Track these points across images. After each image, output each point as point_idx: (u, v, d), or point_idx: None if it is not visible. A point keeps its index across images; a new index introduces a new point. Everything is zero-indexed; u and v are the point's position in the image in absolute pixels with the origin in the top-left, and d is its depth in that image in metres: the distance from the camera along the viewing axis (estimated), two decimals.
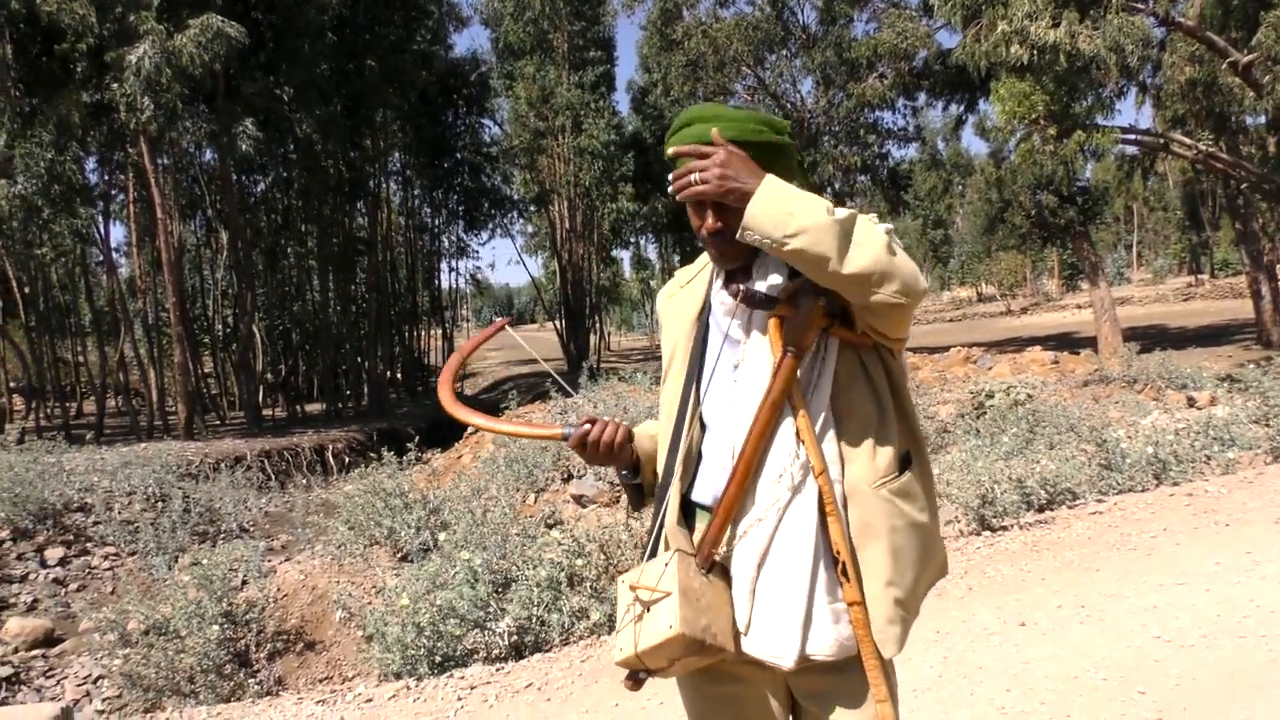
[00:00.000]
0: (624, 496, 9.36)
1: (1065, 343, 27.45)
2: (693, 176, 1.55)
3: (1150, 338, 24.36)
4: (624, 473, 1.90)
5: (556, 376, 2.03)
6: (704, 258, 1.87)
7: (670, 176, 1.59)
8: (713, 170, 1.53)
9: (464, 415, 1.97)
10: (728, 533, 1.64)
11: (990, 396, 11.63)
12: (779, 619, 1.59)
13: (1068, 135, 17.78)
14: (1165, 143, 21.00)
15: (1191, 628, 4.00)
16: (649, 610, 1.58)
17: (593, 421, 1.80)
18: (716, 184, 1.53)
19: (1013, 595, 4.68)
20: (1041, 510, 6.59)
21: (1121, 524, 5.86)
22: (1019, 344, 25.87)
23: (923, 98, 28.17)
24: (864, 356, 1.64)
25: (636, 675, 1.65)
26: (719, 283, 1.78)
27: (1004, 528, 6.14)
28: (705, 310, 1.80)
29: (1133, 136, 20.75)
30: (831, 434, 1.62)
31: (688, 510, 1.76)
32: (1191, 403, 12.06)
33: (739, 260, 1.70)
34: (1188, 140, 20.65)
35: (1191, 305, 41.46)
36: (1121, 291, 46.69)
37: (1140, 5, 17.07)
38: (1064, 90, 17.31)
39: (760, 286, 1.65)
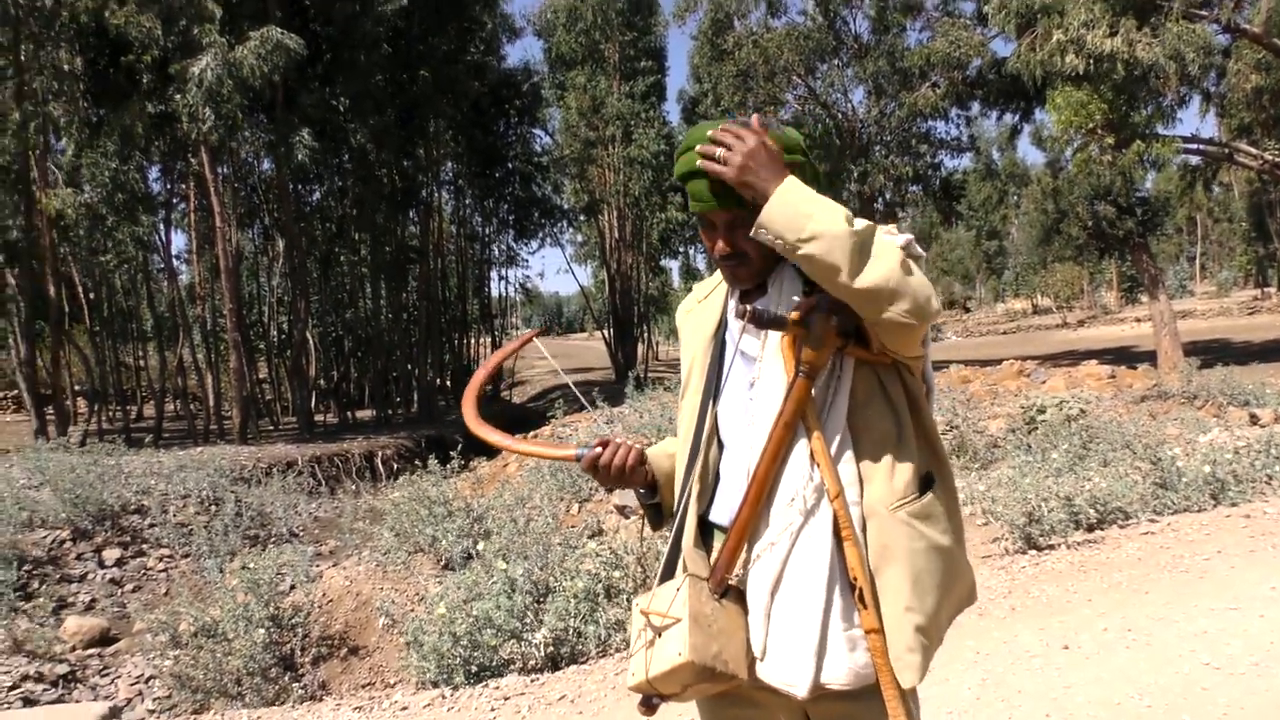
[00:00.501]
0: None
1: (1123, 357, 26.84)
2: (719, 152, 1.52)
3: (1213, 352, 23.72)
4: (641, 492, 1.87)
5: (575, 390, 2.04)
6: (720, 273, 1.85)
7: (698, 148, 1.56)
8: (737, 156, 1.50)
9: (484, 433, 1.97)
10: (742, 556, 1.61)
11: (1042, 411, 11.40)
12: (793, 646, 1.55)
13: (1126, 145, 17.44)
14: (1230, 152, 20.51)
15: (1243, 654, 3.87)
16: (660, 636, 1.57)
17: (605, 444, 1.78)
18: (736, 171, 1.50)
19: (1057, 617, 4.57)
20: (1091, 529, 6.44)
21: (1174, 545, 5.70)
22: (1074, 357, 25.38)
23: (976, 107, 27.86)
24: (881, 374, 1.61)
25: (650, 700, 1.64)
26: (734, 299, 1.76)
27: (1050, 547, 6.01)
28: (722, 326, 1.78)
29: (1195, 146, 20.30)
30: (849, 454, 1.58)
31: (706, 530, 1.73)
32: (1254, 420, 11.71)
33: (751, 281, 1.68)
34: (1253, 150, 20.14)
35: (1257, 319, 40.28)
36: (1184, 304, 45.59)
37: (1202, 13, 16.71)
38: (1122, 99, 17.00)
39: (775, 305, 1.63)
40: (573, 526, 8.87)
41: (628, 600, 5.39)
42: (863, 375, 1.60)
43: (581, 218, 42.93)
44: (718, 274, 1.85)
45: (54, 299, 20.53)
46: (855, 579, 1.53)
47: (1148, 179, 27.46)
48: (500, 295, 48.19)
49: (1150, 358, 22.28)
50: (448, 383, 37.62)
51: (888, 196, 29.42)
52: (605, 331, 42.57)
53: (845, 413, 1.59)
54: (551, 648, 5.10)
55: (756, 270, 1.66)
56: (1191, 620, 4.32)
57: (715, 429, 1.74)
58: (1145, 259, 23.46)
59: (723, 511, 1.70)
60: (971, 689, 3.81)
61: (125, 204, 20.60)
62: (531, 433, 17.09)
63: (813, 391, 1.57)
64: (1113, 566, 5.37)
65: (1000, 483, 6.93)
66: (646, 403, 14.81)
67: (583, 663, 4.94)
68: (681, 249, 49.00)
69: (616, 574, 5.54)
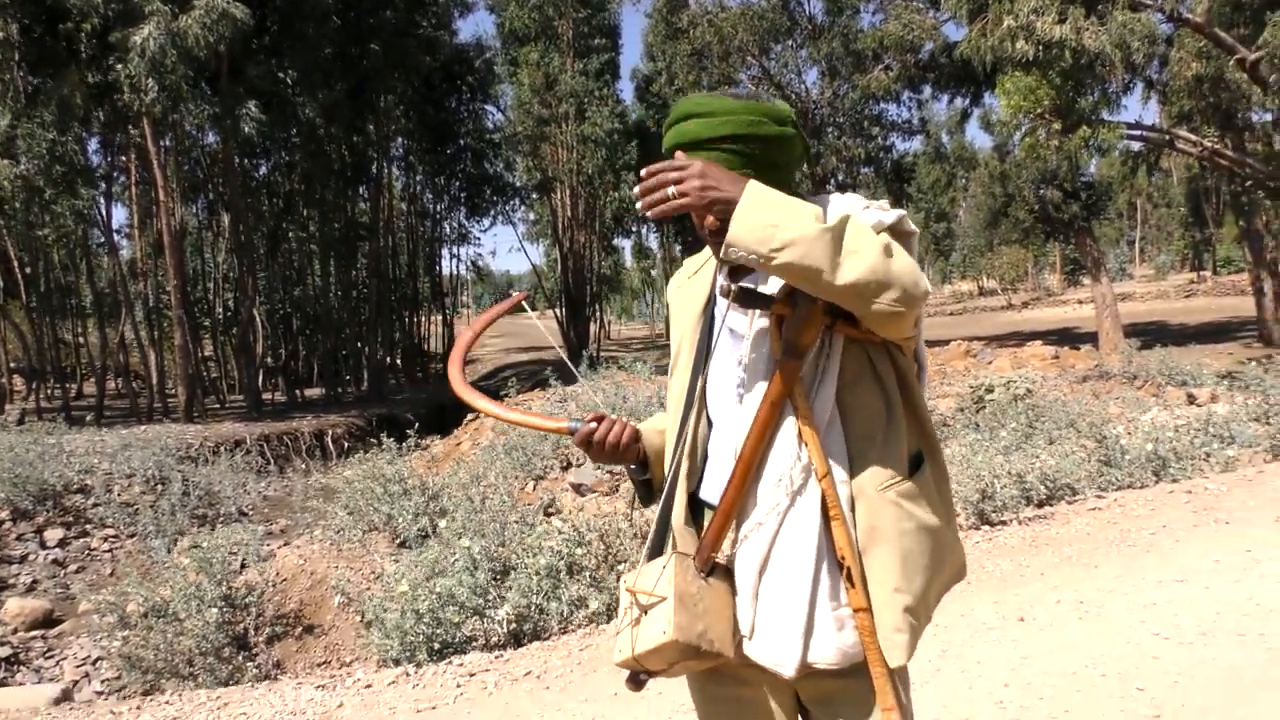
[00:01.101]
0: (624, 486, 9.22)
1: (1066, 338, 27.46)
2: (669, 190, 1.46)
3: (1151, 334, 24.37)
4: (632, 469, 1.86)
5: (568, 362, 1.99)
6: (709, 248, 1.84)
7: (636, 191, 1.49)
8: (692, 181, 1.44)
9: (472, 398, 1.91)
10: (730, 536, 1.59)
11: (990, 391, 11.62)
12: (781, 625, 1.54)
13: (1073, 130, 17.71)
14: (1170, 139, 20.95)
15: (1190, 625, 4.00)
16: (646, 614, 1.55)
17: (600, 419, 1.76)
18: (698, 194, 1.44)
19: (1011, 590, 4.69)
20: (1041, 505, 6.60)
21: (1121, 520, 5.87)
22: (1020, 338, 25.89)
23: (928, 90, 28.12)
24: (871, 352, 1.58)
25: (637, 676, 1.62)
26: (724, 273, 1.72)
27: (1003, 522, 6.15)
28: (711, 301, 1.75)
29: (1138, 132, 20.71)
30: (838, 433, 1.56)
31: (696, 508, 1.71)
32: (1192, 400, 12.06)
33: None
34: (1193, 137, 20.60)
35: (1193, 302, 41.42)
36: (1123, 287, 46.67)
37: (1148, 2, 17.01)
38: (1070, 85, 17.24)
39: (762, 282, 1.60)
40: (529, 504, 8.86)
41: (590, 577, 5.41)
42: (852, 353, 1.57)
43: (534, 196, 42.64)
44: (708, 249, 1.84)
45: None
46: (843, 558, 1.51)
47: (1092, 164, 28.05)
48: (451, 273, 47.77)
49: (1092, 339, 22.82)
50: (398, 361, 37.24)
51: (840, 178, 29.64)
52: (558, 310, 42.41)
53: (834, 392, 1.56)
54: (514, 624, 5.10)
55: None
56: (1140, 592, 4.46)
57: (704, 406, 1.72)
58: (1089, 242, 23.97)
59: (712, 489, 1.68)
60: (931, 660, 3.90)
61: (63, 176, 19.93)
62: None
63: (801, 370, 1.54)
64: (1063, 541, 5.51)
65: (952, 460, 7.05)
66: (600, 382, 14.80)
67: (545, 639, 4.96)
68: (634, 228, 48.95)
69: (579, 551, 5.55)
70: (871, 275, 1.40)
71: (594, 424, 1.75)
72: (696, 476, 1.71)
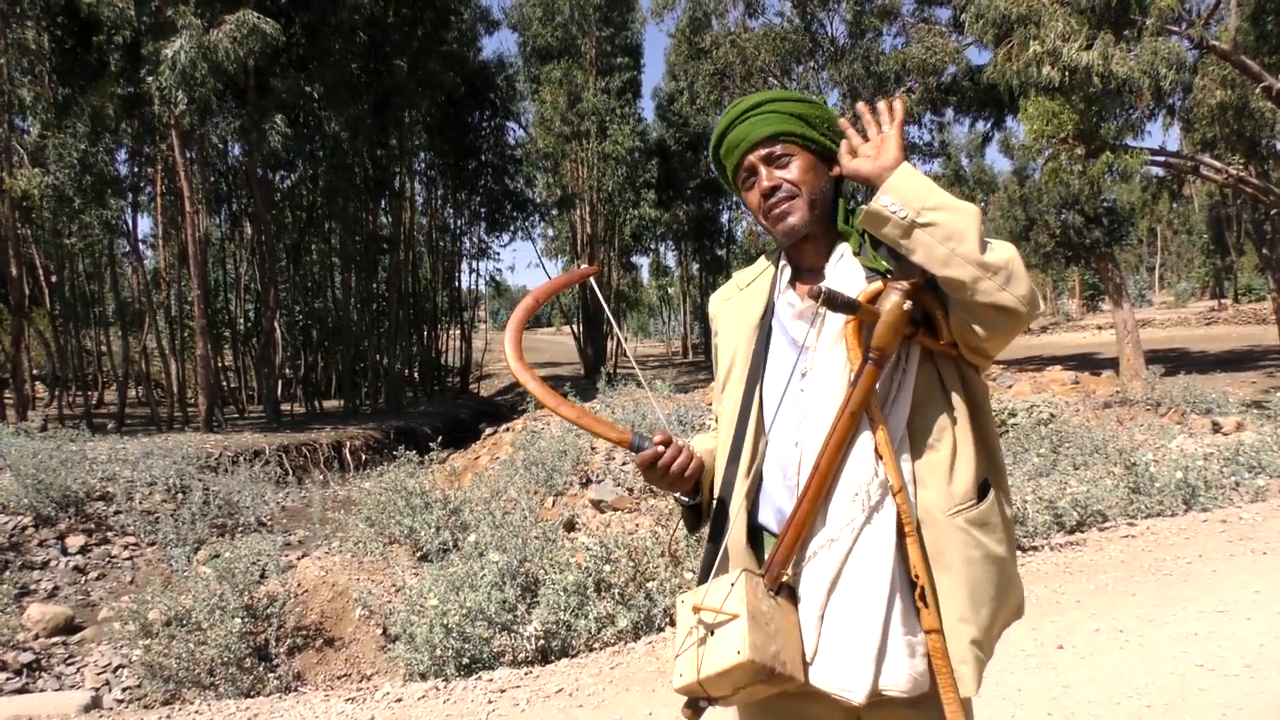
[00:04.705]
0: (646, 504, 9.11)
1: (1085, 363, 27.28)
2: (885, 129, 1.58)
3: (1171, 361, 24.16)
4: (679, 496, 1.77)
5: (636, 367, 1.95)
6: (763, 260, 1.79)
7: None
8: (893, 137, 1.56)
9: (526, 379, 1.73)
10: (797, 553, 1.54)
11: (1014, 415, 11.54)
12: (850, 649, 1.48)
13: (1096, 155, 17.65)
14: (1195, 165, 20.85)
15: (1234, 657, 3.93)
16: (713, 634, 1.48)
17: (666, 442, 1.63)
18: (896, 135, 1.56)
19: (1048, 617, 4.63)
20: (1072, 532, 6.52)
21: (1155, 548, 5.79)
22: (1038, 363, 25.71)
23: (949, 113, 28.10)
24: (943, 370, 1.55)
25: (696, 703, 1.55)
26: (784, 283, 1.69)
27: (1034, 548, 6.08)
28: (768, 314, 1.70)
29: (1162, 159, 20.62)
30: (906, 453, 1.52)
31: (749, 531, 1.65)
32: (1217, 428, 11.94)
33: (805, 220, 1.65)
34: (1217, 164, 20.49)
35: (1214, 330, 41.12)
36: (1143, 314, 46.34)
37: (1174, 29, 16.96)
38: (1094, 111, 17.20)
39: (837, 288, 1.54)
40: (548, 520, 8.83)
41: (618, 594, 5.37)
42: (926, 370, 1.54)
43: (554, 212, 42.81)
44: (760, 261, 1.79)
45: (16, 281, 20.08)
46: (917, 576, 1.47)
47: (1113, 190, 27.88)
48: (470, 288, 47.92)
49: (1111, 364, 22.66)
50: (415, 374, 37.34)
51: (860, 199, 29.60)
52: (574, 327, 42.48)
53: (909, 408, 1.52)
54: (542, 641, 5.07)
55: (808, 206, 1.64)
56: (1181, 622, 4.39)
57: (762, 422, 1.65)
58: (1110, 268, 23.81)
59: (767, 510, 1.63)
60: None
61: (93, 186, 20.13)
62: (504, 425, 16.98)
63: (880, 377, 1.51)
64: (1098, 569, 5.44)
65: None
66: (619, 398, 14.78)
67: (573, 656, 4.92)
68: (653, 246, 49.06)
69: (607, 568, 5.51)
70: (1007, 266, 1.45)
71: (661, 447, 1.63)
72: (753, 497, 1.65)
